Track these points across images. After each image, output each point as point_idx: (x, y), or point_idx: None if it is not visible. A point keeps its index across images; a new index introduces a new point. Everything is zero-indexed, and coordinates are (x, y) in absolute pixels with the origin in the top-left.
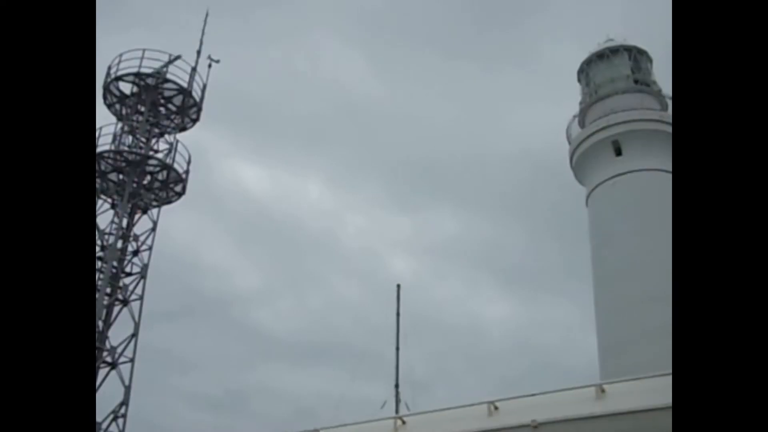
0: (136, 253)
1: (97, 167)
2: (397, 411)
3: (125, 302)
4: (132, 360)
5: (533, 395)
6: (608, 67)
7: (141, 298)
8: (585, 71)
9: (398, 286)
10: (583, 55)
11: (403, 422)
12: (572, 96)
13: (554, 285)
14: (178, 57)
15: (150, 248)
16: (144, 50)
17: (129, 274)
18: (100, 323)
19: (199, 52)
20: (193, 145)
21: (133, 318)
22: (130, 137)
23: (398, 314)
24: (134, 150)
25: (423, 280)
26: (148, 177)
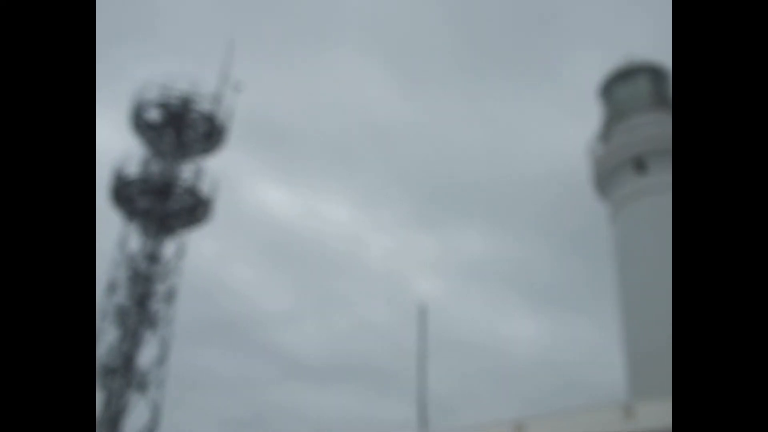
0: (164, 276)
1: (125, 193)
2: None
3: (154, 326)
4: (161, 383)
5: (560, 414)
6: (629, 85)
7: (169, 321)
8: (607, 89)
9: (422, 306)
10: (605, 74)
11: None
12: (595, 114)
13: (580, 304)
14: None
15: (178, 272)
16: (172, 77)
17: (157, 298)
18: (130, 347)
19: (225, 78)
20: (219, 169)
21: (162, 341)
22: (158, 163)
23: (423, 335)
24: (161, 175)
25: (448, 301)
26: (175, 201)
